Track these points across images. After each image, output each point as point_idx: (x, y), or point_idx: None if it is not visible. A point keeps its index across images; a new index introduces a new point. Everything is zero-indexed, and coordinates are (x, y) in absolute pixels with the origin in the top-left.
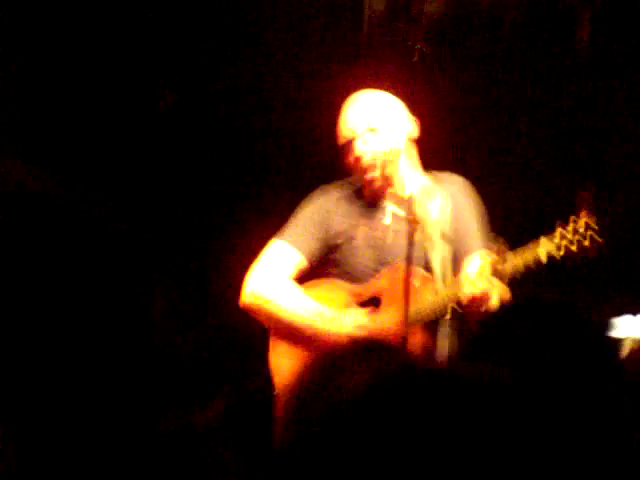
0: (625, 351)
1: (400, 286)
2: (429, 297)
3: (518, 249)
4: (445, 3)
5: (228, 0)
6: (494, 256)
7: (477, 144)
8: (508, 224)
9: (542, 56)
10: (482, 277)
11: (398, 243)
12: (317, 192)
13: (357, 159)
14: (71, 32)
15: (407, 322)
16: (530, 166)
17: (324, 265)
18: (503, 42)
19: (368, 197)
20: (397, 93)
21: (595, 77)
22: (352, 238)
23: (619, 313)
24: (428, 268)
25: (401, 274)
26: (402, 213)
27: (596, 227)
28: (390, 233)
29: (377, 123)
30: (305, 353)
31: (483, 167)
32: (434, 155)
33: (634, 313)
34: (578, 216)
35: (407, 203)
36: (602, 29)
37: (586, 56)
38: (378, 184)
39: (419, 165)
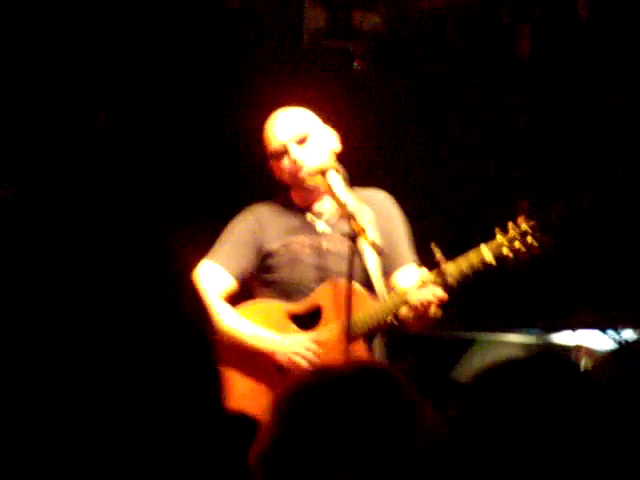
0: (586, 363)
1: (339, 301)
2: (373, 308)
3: (458, 257)
4: (385, 18)
5: (174, 17)
6: (437, 266)
7: (416, 157)
8: (446, 235)
9: (482, 69)
10: (424, 287)
11: (333, 252)
12: (246, 210)
13: (293, 162)
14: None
15: (350, 335)
16: (468, 177)
17: (255, 284)
18: (443, 55)
19: (298, 208)
20: (331, 106)
21: (535, 89)
22: (288, 251)
23: (581, 327)
24: (366, 281)
25: (339, 289)
26: (335, 224)
27: (537, 228)
28: (324, 243)
29: (305, 132)
30: (254, 374)
31: (422, 180)
32: (370, 168)
33: (595, 328)
34: (516, 222)
35: (347, 215)
36: (542, 41)
37: (527, 68)
38: (309, 189)
39: (345, 180)
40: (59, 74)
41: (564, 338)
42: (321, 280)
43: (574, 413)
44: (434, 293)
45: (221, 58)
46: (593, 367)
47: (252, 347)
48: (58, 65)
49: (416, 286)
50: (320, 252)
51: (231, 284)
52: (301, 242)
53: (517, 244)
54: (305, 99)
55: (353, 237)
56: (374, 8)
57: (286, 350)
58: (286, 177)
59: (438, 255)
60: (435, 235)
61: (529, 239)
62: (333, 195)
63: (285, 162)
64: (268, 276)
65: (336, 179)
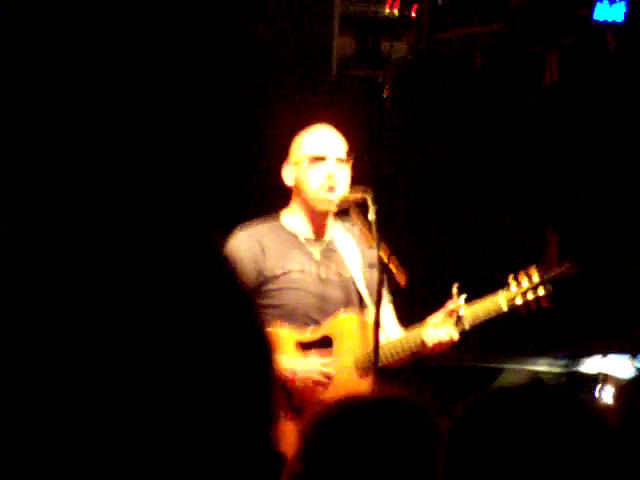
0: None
1: (351, 335)
2: (388, 346)
3: (475, 300)
4: (412, 47)
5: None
6: (455, 305)
7: (443, 184)
8: (476, 267)
9: (509, 98)
10: (446, 324)
11: (330, 280)
12: (243, 232)
13: (326, 176)
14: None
15: (364, 370)
16: (494, 204)
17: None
18: (471, 84)
19: (290, 232)
20: (360, 135)
21: (562, 118)
22: (288, 278)
23: (603, 352)
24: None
25: (352, 323)
26: (326, 252)
27: (546, 278)
28: (322, 271)
29: (345, 160)
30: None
31: (448, 205)
32: (397, 194)
33: (618, 352)
34: (528, 272)
35: (375, 244)
36: (569, 70)
37: (555, 97)
38: (331, 209)
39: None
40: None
41: (591, 366)
42: (320, 308)
43: (566, 444)
44: (451, 336)
45: (251, 86)
46: (616, 395)
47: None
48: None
49: (434, 325)
50: (319, 280)
51: None
52: (300, 269)
53: (530, 295)
54: (334, 126)
55: (382, 266)
56: (402, 37)
57: (308, 372)
58: (304, 185)
59: (459, 298)
60: (461, 263)
61: (540, 291)
62: (364, 223)
63: (317, 171)
64: (266, 301)
65: (367, 209)
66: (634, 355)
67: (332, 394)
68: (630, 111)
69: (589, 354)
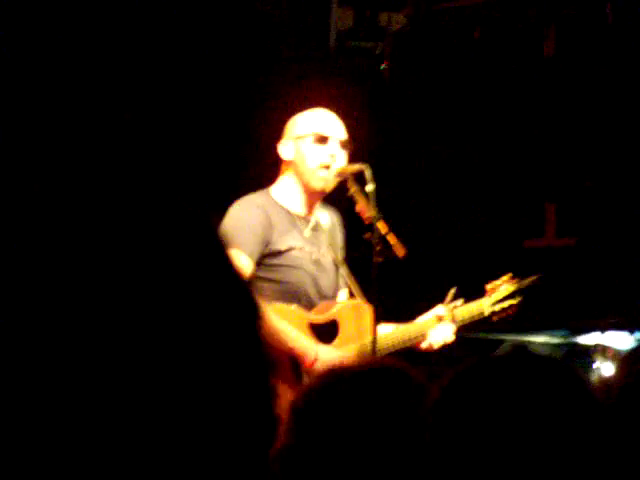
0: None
1: (358, 323)
2: (392, 336)
3: (464, 307)
4: (411, 19)
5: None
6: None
7: (441, 157)
8: (473, 232)
9: (508, 69)
10: (441, 322)
11: (319, 262)
12: (252, 202)
13: (328, 156)
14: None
15: (374, 354)
16: (493, 178)
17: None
18: (470, 56)
19: (285, 209)
20: (357, 107)
21: (561, 89)
22: (290, 255)
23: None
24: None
25: (360, 310)
26: (315, 232)
27: (520, 287)
28: (313, 251)
29: (347, 144)
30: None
31: (446, 179)
32: (395, 169)
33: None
34: (503, 279)
35: (374, 220)
36: (568, 42)
37: (553, 69)
38: (326, 189)
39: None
40: (80, 73)
41: (590, 339)
42: (315, 290)
43: (550, 412)
44: (448, 337)
45: (248, 58)
46: (616, 367)
47: (293, 348)
48: (86, 67)
49: (435, 321)
50: (312, 260)
51: (252, 271)
52: (300, 247)
53: (504, 304)
54: (331, 99)
55: (380, 241)
56: (401, 8)
57: (327, 359)
58: (304, 161)
59: (457, 301)
60: (462, 238)
61: (511, 301)
62: (360, 197)
63: (320, 149)
64: (268, 274)
65: (365, 181)
66: (632, 331)
67: None
68: (628, 83)
69: (587, 330)
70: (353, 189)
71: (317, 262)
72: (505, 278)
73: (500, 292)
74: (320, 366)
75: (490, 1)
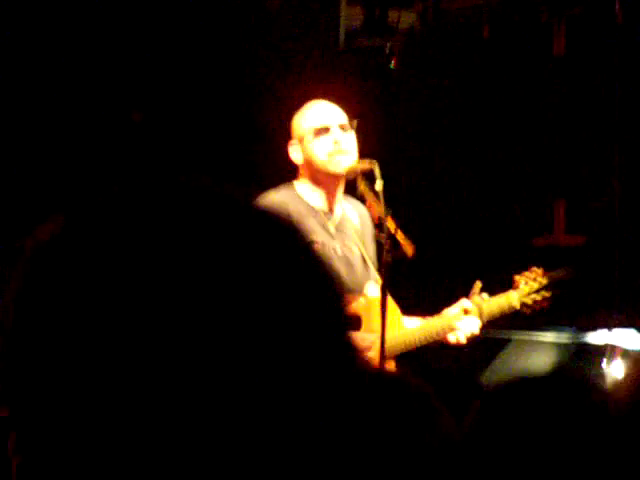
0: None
1: (377, 317)
2: (412, 333)
3: (492, 299)
4: (421, 16)
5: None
6: (479, 300)
7: (450, 154)
8: (481, 231)
9: (518, 67)
10: (466, 316)
11: (343, 257)
12: (266, 202)
13: (333, 142)
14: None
15: (385, 355)
16: (503, 175)
17: None
18: (479, 54)
19: (307, 204)
20: (367, 105)
21: (571, 87)
22: (312, 245)
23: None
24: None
25: (377, 304)
26: (339, 226)
27: (550, 285)
28: (338, 244)
29: (347, 124)
30: None
31: (456, 176)
32: (404, 165)
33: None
34: (534, 271)
35: (382, 216)
36: (578, 40)
37: (563, 67)
38: (341, 172)
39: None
40: (92, 73)
41: (598, 338)
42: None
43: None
44: (475, 330)
45: (259, 56)
46: (627, 367)
47: None
48: (91, 64)
49: (461, 315)
50: (336, 255)
51: None
52: (321, 241)
53: (537, 296)
54: (341, 97)
55: (388, 237)
56: (410, 6)
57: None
58: (313, 157)
59: (483, 294)
60: (471, 235)
61: (545, 293)
62: (369, 194)
63: (323, 140)
64: None
65: (374, 179)
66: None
67: None
68: (637, 82)
69: (595, 328)
70: (362, 187)
71: (342, 257)
72: (537, 270)
73: (530, 285)
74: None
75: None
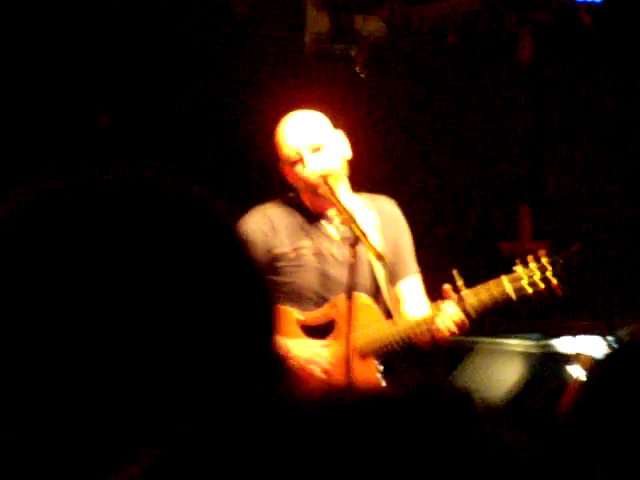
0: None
1: (353, 316)
2: (386, 331)
3: (477, 286)
4: (387, 23)
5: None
6: (457, 295)
7: (417, 161)
8: (448, 240)
9: (484, 74)
10: (442, 314)
11: (340, 260)
12: (257, 210)
13: (307, 176)
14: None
15: (360, 353)
16: (469, 182)
17: None
18: (444, 60)
19: (310, 210)
20: (332, 111)
21: (537, 94)
22: (297, 255)
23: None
24: (374, 290)
25: (354, 303)
26: (345, 232)
27: (557, 265)
28: (333, 249)
29: (320, 141)
30: None
31: (422, 184)
32: (372, 173)
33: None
34: (536, 256)
35: (347, 221)
36: (544, 47)
37: (528, 74)
38: (324, 200)
39: (349, 185)
40: (60, 75)
41: (563, 343)
42: (324, 287)
43: None
44: (461, 318)
45: (224, 61)
46: (588, 374)
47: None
48: (60, 66)
49: (437, 313)
50: (326, 258)
51: None
52: (309, 246)
53: (536, 278)
54: (307, 103)
55: (353, 243)
56: (376, 13)
57: (301, 355)
58: (300, 183)
59: (459, 283)
60: (437, 240)
61: (548, 274)
62: (333, 200)
63: (299, 169)
64: (275, 278)
65: (337, 184)
66: (604, 336)
67: (330, 375)
68: (605, 86)
69: (561, 334)
70: (324, 190)
71: (342, 261)
72: (541, 250)
73: (531, 267)
74: (292, 361)
75: (465, 7)
